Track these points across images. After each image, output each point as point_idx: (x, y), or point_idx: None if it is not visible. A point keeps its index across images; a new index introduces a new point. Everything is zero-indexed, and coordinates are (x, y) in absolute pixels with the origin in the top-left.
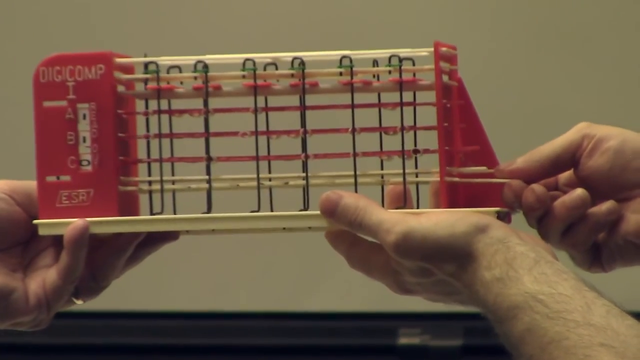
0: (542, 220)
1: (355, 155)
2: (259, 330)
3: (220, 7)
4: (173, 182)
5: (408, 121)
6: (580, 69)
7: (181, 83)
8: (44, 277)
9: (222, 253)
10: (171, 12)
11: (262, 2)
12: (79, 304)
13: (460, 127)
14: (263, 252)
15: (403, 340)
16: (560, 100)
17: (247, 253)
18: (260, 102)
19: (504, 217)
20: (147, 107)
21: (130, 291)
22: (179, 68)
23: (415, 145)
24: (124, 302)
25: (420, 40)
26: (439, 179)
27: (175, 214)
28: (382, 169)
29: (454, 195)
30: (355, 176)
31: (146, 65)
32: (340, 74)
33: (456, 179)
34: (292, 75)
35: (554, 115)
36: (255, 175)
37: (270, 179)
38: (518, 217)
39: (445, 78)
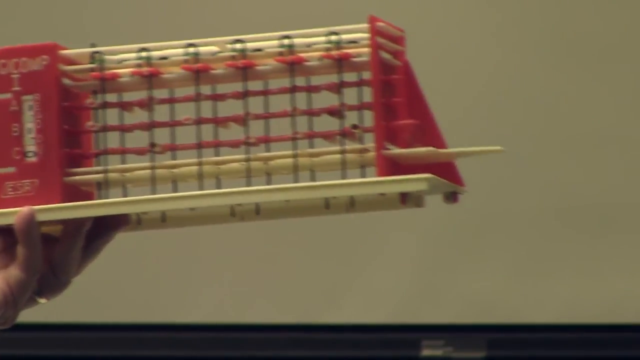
0: None
1: (295, 137)
2: (281, 343)
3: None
4: (122, 172)
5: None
6: (592, 81)
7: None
8: (6, 275)
9: (244, 265)
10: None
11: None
12: (43, 303)
13: (398, 101)
14: (285, 264)
15: (426, 352)
16: (570, 110)
17: (270, 265)
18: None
19: (450, 196)
20: (95, 98)
21: (154, 304)
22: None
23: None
24: (147, 314)
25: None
26: (375, 153)
27: None
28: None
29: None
30: (296, 156)
31: (92, 55)
32: (281, 54)
33: (396, 151)
34: (233, 58)
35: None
36: (196, 160)
37: (216, 163)
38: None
39: (388, 56)
